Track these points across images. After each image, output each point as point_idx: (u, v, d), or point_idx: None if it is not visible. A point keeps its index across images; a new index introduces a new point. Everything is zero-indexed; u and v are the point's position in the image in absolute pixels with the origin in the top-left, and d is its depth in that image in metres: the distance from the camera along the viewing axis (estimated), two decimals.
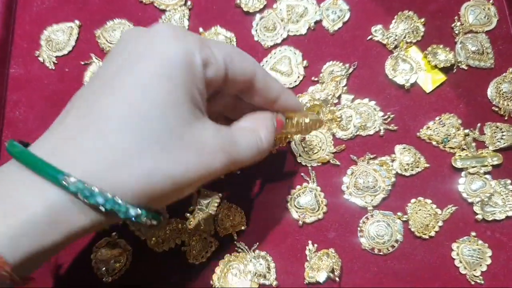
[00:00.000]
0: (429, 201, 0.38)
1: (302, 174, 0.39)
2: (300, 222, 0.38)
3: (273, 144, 0.32)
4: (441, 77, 0.41)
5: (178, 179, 0.25)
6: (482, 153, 0.39)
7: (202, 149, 0.26)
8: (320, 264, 0.36)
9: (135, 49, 0.25)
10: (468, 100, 0.40)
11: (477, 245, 0.36)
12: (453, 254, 0.36)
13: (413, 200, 0.38)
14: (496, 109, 0.40)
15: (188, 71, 0.25)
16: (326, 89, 0.41)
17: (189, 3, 0.45)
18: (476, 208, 0.37)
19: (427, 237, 0.37)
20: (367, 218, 0.38)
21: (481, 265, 0.36)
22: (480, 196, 0.37)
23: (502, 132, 0.39)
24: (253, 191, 0.39)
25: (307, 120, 0.34)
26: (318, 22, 0.43)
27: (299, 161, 0.40)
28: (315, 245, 0.37)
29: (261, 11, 0.44)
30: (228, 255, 0.37)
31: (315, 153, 0.40)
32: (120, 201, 0.23)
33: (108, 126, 0.24)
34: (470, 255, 0.36)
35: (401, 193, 0.38)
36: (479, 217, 0.37)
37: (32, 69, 0.44)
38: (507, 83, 0.40)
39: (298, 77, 0.42)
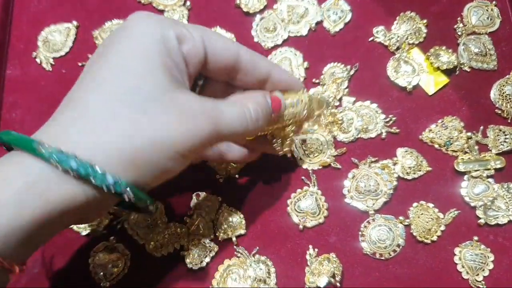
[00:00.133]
0: (431, 205, 0.37)
1: (303, 177, 0.39)
2: (301, 226, 0.37)
3: (266, 122, 0.31)
4: (443, 79, 0.41)
5: (159, 141, 0.25)
6: (485, 156, 0.38)
7: (184, 112, 0.26)
8: (321, 269, 0.36)
9: (116, 34, 0.27)
10: (471, 102, 0.40)
11: (480, 249, 0.36)
12: (456, 259, 0.36)
13: (415, 204, 0.37)
14: (499, 112, 0.39)
15: (161, 44, 0.27)
16: (327, 91, 0.40)
17: (188, 3, 0.44)
18: (479, 212, 0.37)
19: (429, 241, 0.36)
20: (368, 222, 0.37)
21: (483, 270, 0.36)
22: (483, 200, 0.37)
23: (505, 135, 0.38)
24: (253, 194, 0.39)
25: (307, 95, 0.33)
26: (319, 23, 0.43)
27: (299, 164, 0.39)
28: (316, 249, 0.37)
29: (261, 11, 0.43)
30: (228, 259, 0.37)
31: (316, 156, 0.39)
32: (96, 167, 0.23)
33: (88, 100, 0.25)
34: (472, 259, 0.36)
35: (403, 197, 0.38)
36: (482, 221, 0.37)
37: (29, 71, 0.43)
38: (511, 85, 0.40)
39: (299, 78, 0.41)
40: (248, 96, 0.31)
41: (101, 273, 0.36)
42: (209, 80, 0.34)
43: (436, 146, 0.39)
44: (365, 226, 0.37)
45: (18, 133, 0.25)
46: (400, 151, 0.39)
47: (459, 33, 0.42)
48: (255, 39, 0.43)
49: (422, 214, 0.37)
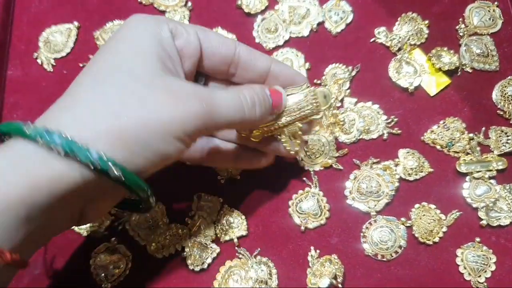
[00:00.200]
0: (433, 206, 0.37)
1: (304, 178, 0.39)
2: (302, 228, 0.37)
3: (265, 112, 0.31)
4: (445, 80, 0.41)
5: (147, 121, 0.25)
6: (487, 157, 0.38)
7: (175, 93, 0.27)
8: (323, 270, 0.36)
9: (113, 34, 0.29)
10: (472, 103, 0.40)
11: (482, 251, 0.36)
12: (458, 260, 0.36)
13: (417, 205, 0.37)
14: (501, 113, 0.39)
15: (155, 36, 0.28)
16: (333, 95, 0.40)
17: (189, 4, 0.44)
18: (481, 214, 0.37)
19: (431, 242, 0.36)
20: (370, 223, 0.37)
21: (485, 271, 0.35)
22: (484, 201, 0.37)
23: (507, 136, 0.38)
24: (255, 195, 0.39)
25: (312, 89, 0.33)
26: (320, 24, 0.43)
27: (301, 165, 0.39)
28: (318, 251, 0.37)
29: (262, 12, 0.43)
30: (229, 261, 0.37)
31: (318, 157, 0.39)
32: (79, 143, 0.23)
33: (81, 87, 0.27)
34: (474, 261, 0.36)
35: (404, 198, 0.38)
36: (484, 222, 0.37)
37: (30, 71, 0.43)
38: None
39: (306, 82, 0.41)
40: (245, 85, 0.31)
41: (102, 274, 0.36)
42: (210, 79, 0.34)
43: (438, 147, 0.39)
44: (366, 227, 0.37)
45: (7, 121, 0.26)
46: (401, 152, 0.39)
47: (461, 34, 0.42)
48: (257, 40, 0.43)
49: (424, 215, 0.37)
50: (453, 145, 0.39)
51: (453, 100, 0.40)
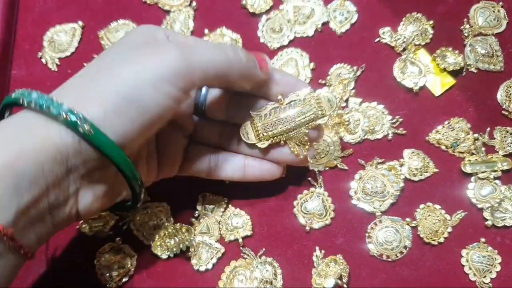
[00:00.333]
0: (438, 206, 0.37)
1: (309, 178, 0.39)
2: (307, 228, 0.37)
3: (251, 66, 0.31)
4: (450, 81, 0.41)
5: (126, 73, 0.27)
6: (492, 158, 0.38)
7: (153, 46, 0.28)
8: (328, 270, 0.36)
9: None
10: (477, 104, 0.40)
11: (487, 251, 0.36)
12: (463, 261, 0.36)
13: (422, 206, 0.37)
14: (506, 113, 0.39)
15: (152, 34, 0.30)
16: (334, 92, 0.40)
17: (194, 3, 0.44)
18: (486, 214, 0.37)
19: (436, 243, 0.36)
20: (375, 223, 0.37)
21: (491, 272, 0.35)
22: (490, 202, 0.37)
23: None
24: (259, 195, 0.39)
25: (315, 95, 0.33)
26: (325, 24, 0.43)
27: (306, 166, 0.39)
28: (323, 251, 0.36)
29: (267, 12, 0.43)
30: (234, 261, 0.37)
31: (322, 157, 0.39)
32: (54, 98, 0.26)
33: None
34: (479, 261, 0.36)
35: (409, 198, 0.38)
36: (489, 223, 0.36)
37: (35, 71, 0.43)
38: None
39: (305, 79, 0.41)
40: None
41: (107, 274, 0.36)
42: (214, 89, 0.35)
43: (443, 147, 0.39)
44: (372, 228, 0.37)
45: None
46: (406, 152, 0.39)
47: (466, 34, 0.42)
48: (261, 40, 0.43)
49: (429, 215, 0.37)
50: (458, 145, 0.39)
51: (458, 101, 0.40)
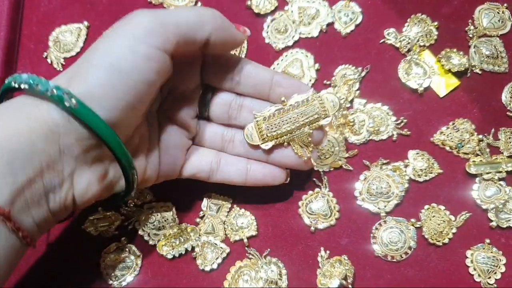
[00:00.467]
0: (442, 207, 0.37)
1: (314, 179, 0.39)
2: (312, 228, 0.37)
3: (233, 32, 0.32)
4: (454, 82, 0.41)
5: (104, 46, 0.28)
6: (496, 159, 0.38)
7: (127, 16, 0.29)
8: (333, 271, 0.36)
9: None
10: (482, 105, 0.40)
11: (492, 252, 0.36)
12: (467, 262, 0.36)
13: (426, 207, 0.37)
14: (511, 114, 0.39)
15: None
16: (339, 93, 0.40)
17: (199, 4, 0.44)
18: (491, 215, 0.37)
19: (440, 244, 0.36)
20: (380, 224, 0.37)
21: (495, 273, 0.36)
22: (494, 203, 0.37)
23: None
24: (264, 196, 0.39)
25: (318, 96, 0.34)
26: (330, 25, 0.43)
27: (309, 169, 0.39)
28: (327, 251, 0.37)
29: (272, 13, 0.43)
30: (239, 261, 0.37)
31: (327, 158, 0.39)
32: (42, 78, 0.27)
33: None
34: (484, 262, 0.36)
35: (414, 199, 0.38)
36: (494, 224, 0.37)
37: (40, 71, 0.43)
38: None
39: (310, 80, 0.41)
40: None
41: (112, 274, 0.36)
42: (216, 92, 0.35)
43: (448, 148, 0.39)
44: (376, 228, 0.37)
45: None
46: (411, 153, 0.39)
47: (470, 36, 0.42)
48: (266, 40, 0.43)
49: (433, 216, 0.37)
50: (462, 146, 0.39)
51: (463, 102, 0.40)
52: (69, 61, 0.43)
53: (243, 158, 0.36)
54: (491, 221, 0.37)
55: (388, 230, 0.37)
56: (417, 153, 0.39)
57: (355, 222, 0.37)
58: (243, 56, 0.42)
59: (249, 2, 0.43)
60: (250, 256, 0.37)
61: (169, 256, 0.37)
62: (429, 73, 0.41)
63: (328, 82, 0.41)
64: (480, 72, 0.41)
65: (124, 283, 0.36)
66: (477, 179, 0.38)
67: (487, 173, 0.38)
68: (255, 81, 0.34)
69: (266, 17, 0.43)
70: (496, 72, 0.41)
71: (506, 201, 0.37)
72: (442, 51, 0.41)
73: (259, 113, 0.34)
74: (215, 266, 0.36)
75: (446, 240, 0.36)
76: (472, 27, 0.42)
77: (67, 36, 0.43)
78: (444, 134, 0.39)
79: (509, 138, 0.39)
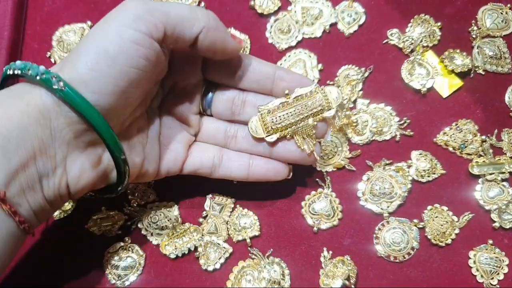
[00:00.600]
0: (445, 208, 0.37)
1: (317, 179, 0.39)
2: (315, 229, 0.37)
3: (224, 35, 0.32)
4: (458, 82, 0.41)
5: (94, 32, 0.29)
6: (499, 159, 0.38)
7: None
8: (335, 271, 0.36)
9: None
10: (485, 105, 0.40)
11: (494, 253, 0.36)
12: (470, 262, 0.36)
13: (429, 207, 0.37)
14: None
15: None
16: (343, 94, 0.40)
17: (202, 4, 0.44)
18: (493, 216, 0.37)
19: (443, 244, 0.36)
20: (383, 225, 0.37)
21: (498, 274, 0.36)
22: (497, 204, 0.37)
23: None
24: (267, 196, 0.39)
25: (321, 88, 0.34)
26: (333, 25, 0.43)
27: (314, 166, 0.39)
28: (330, 252, 0.37)
29: (275, 13, 0.43)
30: (242, 261, 0.37)
31: (330, 158, 0.39)
32: (33, 63, 0.28)
33: None
34: (487, 263, 0.36)
35: (417, 199, 0.38)
36: (496, 224, 0.37)
37: None
38: None
39: (313, 80, 0.41)
40: None
41: (116, 274, 0.37)
42: (219, 88, 0.35)
43: (451, 149, 0.39)
44: (379, 229, 0.37)
45: None
46: (414, 153, 0.39)
47: (474, 36, 0.42)
48: (269, 41, 0.43)
49: (436, 217, 0.37)
50: (465, 147, 0.39)
51: (466, 102, 0.40)
52: None
53: (246, 154, 0.36)
54: (494, 222, 0.37)
55: (391, 230, 0.37)
56: (420, 154, 0.39)
57: (358, 223, 0.38)
58: None
59: (252, 2, 0.43)
60: (253, 256, 0.37)
61: (172, 256, 0.37)
62: (432, 74, 0.41)
63: (331, 83, 0.41)
64: (483, 73, 0.41)
65: (127, 283, 0.36)
66: (480, 180, 0.38)
67: (490, 174, 0.38)
68: (258, 76, 0.34)
69: (269, 17, 0.43)
70: (499, 72, 0.41)
71: (509, 202, 0.37)
72: (445, 51, 0.41)
73: (263, 106, 0.34)
74: (218, 266, 0.37)
75: (449, 241, 0.36)
76: (475, 28, 0.42)
77: (70, 36, 0.43)
78: (447, 135, 0.39)
79: None
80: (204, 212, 0.38)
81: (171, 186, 0.38)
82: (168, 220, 0.38)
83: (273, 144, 0.35)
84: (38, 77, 0.27)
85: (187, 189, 0.39)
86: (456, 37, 0.42)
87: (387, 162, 0.39)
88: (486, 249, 0.36)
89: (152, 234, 0.38)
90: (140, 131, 0.33)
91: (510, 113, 0.40)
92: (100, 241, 0.37)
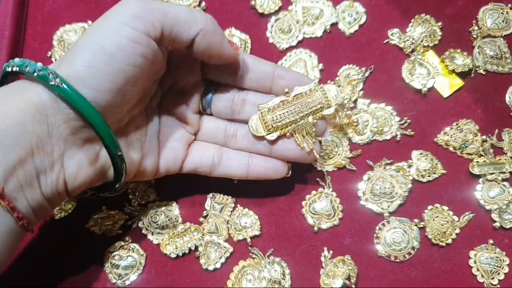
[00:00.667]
0: (446, 208, 0.37)
1: (318, 179, 0.39)
2: (316, 228, 0.37)
3: (223, 41, 0.32)
4: (458, 82, 0.41)
5: (92, 29, 0.29)
6: (500, 159, 0.38)
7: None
8: (336, 271, 0.36)
9: None
10: (486, 105, 0.40)
11: (495, 253, 0.36)
12: (471, 262, 0.36)
13: (430, 207, 0.37)
14: None
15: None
16: (343, 93, 0.40)
17: (203, 4, 0.44)
18: (494, 216, 0.37)
19: (444, 244, 0.36)
20: (383, 224, 0.37)
21: (499, 274, 0.35)
22: (498, 203, 0.37)
23: None
24: (268, 195, 0.39)
25: (320, 86, 0.35)
26: (334, 25, 0.43)
27: (314, 166, 0.39)
28: (331, 251, 0.37)
29: (276, 13, 0.43)
30: (243, 260, 0.37)
31: (331, 157, 0.39)
32: (31, 60, 0.28)
33: None
34: (487, 263, 0.36)
35: (418, 199, 0.38)
36: (497, 224, 0.37)
37: None
38: None
39: (314, 80, 0.41)
40: None
41: (116, 273, 0.37)
42: (218, 87, 0.36)
43: (451, 149, 0.39)
44: (380, 229, 0.37)
45: None
46: (415, 153, 0.39)
47: (474, 36, 0.42)
48: (270, 40, 0.43)
49: (437, 216, 0.37)
50: (466, 147, 0.39)
51: (466, 102, 0.40)
52: None
53: (245, 152, 0.36)
54: (495, 221, 0.37)
55: (392, 230, 0.37)
56: (421, 154, 0.39)
57: (359, 222, 0.38)
58: None
59: (253, 2, 0.43)
60: (254, 256, 0.37)
61: (173, 255, 0.37)
62: (433, 74, 0.41)
63: (332, 82, 0.41)
64: (484, 73, 0.41)
65: (127, 282, 0.36)
66: (480, 180, 0.38)
67: (491, 173, 0.38)
68: (257, 74, 0.35)
69: (270, 17, 0.43)
70: (500, 72, 0.41)
71: (509, 202, 0.37)
72: (446, 51, 0.41)
73: (263, 104, 0.35)
74: (218, 265, 0.37)
75: (450, 241, 0.36)
76: (476, 28, 0.42)
77: (71, 35, 0.43)
78: (448, 135, 0.39)
79: None
80: (205, 212, 0.38)
81: (172, 186, 0.39)
82: (169, 220, 0.38)
83: (273, 142, 0.35)
84: (35, 74, 0.28)
85: (188, 188, 0.39)
86: (457, 37, 0.42)
87: (388, 161, 0.39)
88: (487, 249, 0.36)
89: (152, 234, 0.38)
90: (138, 129, 0.33)
91: (511, 113, 0.40)
92: (101, 241, 0.38)
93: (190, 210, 0.39)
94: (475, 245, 0.36)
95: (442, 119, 0.40)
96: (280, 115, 0.34)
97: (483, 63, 0.41)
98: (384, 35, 0.42)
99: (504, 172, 0.38)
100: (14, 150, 0.26)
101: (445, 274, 0.36)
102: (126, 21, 0.28)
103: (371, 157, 0.39)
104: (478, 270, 0.36)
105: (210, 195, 0.39)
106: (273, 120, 0.34)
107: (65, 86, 0.27)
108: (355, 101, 0.40)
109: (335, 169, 0.39)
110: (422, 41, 0.42)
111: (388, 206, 0.37)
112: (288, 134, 0.35)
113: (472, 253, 0.36)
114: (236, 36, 0.42)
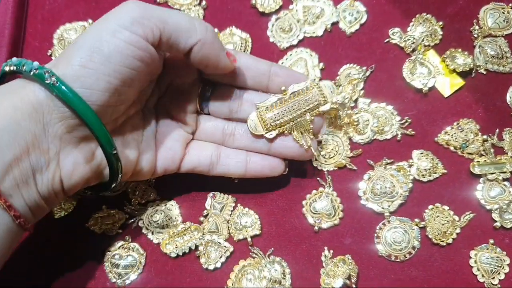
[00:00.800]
0: (446, 207, 0.37)
1: (318, 178, 0.39)
2: (316, 228, 0.37)
3: (220, 47, 0.32)
4: (459, 82, 0.41)
5: (91, 30, 0.29)
6: (501, 159, 0.38)
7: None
8: (336, 270, 0.36)
9: None
10: (486, 105, 0.40)
11: (495, 252, 0.36)
12: (471, 262, 0.36)
13: (430, 207, 0.37)
14: None
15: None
16: (343, 92, 0.40)
17: (203, 3, 0.44)
18: (495, 215, 0.37)
19: (444, 244, 0.36)
20: (384, 224, 0.37)
21: (499, 273, 0.35)
22: (498, 203, 0.37)
23: None
24: (268, 195, 0.39)
25: (315, 83, 0.35)
26: (334, 24, 0.43)
27: (315, 165, 0.39)
28: (331, 251, 0.37)
29: (277, 11, 0.43)
30: (243, 260, 0.37)
31: (332, 157, 0.39)
32: (28, 60, 0.29)
33: None
34: (488, 262, 0.36)
35: (418, 199, 0.38)
36: (498, 224, 0.37)
37: None
38: None
39: (315, 80, 0.41)
40: None
41: (116, 273, 0.36)
42: (216, 86, 0.36)
43: (452, 148, 0.39)
44: (380, 228, 0.37)
45: None
46: (415, 153, 0.39)
47: (475, 35, 0.42)
48: (271, 39, 0.43)
49: (437, 216, 0.37)
50: (467, 146, 0.39)
51: (467, 102, 0.40)
52: None
53: (243, 151, 0.36)
54: (495, 221, 0.37)
55: (392, 230, 0.37)
56: (421, 153, 0.39)
57: (359, 222, 0.37)
58: None
59: (253, 1, 0.43)
60: (254, 255, 0.37)
61: (173, 255, 0.37)
62: (434, 73, 0.41)
63: (332, 82, 0.41)
64: (485, 72, 0.41)
65: (127, 281, 0.36)
66: (481, 180, 0.38)
67: (491, 173, 0.38)
68: (254, 73, 0.35)
69: (270, 16, 0.43)
70: (501, 72, 0.41)
71: (510, 202, 0.37)
72: (447, 51, 0.41)
73: (261, 103, 0.35)
74: (218, 265, 0.36)
75: (450, 240, 0.36)
76: (477, 27, 0.42)
77: (71, 34, 0.43)
78: (449, 134, 0.39)
79: None
80: (205, 211, 0.38)
81: (172, 185, 0.38)
82: (169, 219, 0.38)
83: (271, 140, 0.35)
84: (31, 73, 0.28)
85: (188, 188, 0.39)
86: (457, 36, 0.42)
87: (388, 161, 0.39)
88: (487, 249, 0.36)
89: (152, 233, 0.38)
90: (134, 128, 0.34)
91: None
92: (101, 240, 0.37)
93: (190, 209, 0.39)
94: (476, 245, 0.36)
95: (442, 119, 0.40)
96: (278, 113, 0.35)
97: (484, 62, 0.41)
98: (385, 34, 0.42)
99: (505, 172, 0.38)
100: (10, 148, 0.27)
101: (445, 273, 0.36)
102: (124, 24, 0.28)
103: (371, 157, 0.39)
104: (478, 270, 0.36)
105: (211, 194, 0.39)
106: (271, 118, 0.35)
107: (60, 85, 0.27)
108: (355, 101, 0.40)
109: (336, 168, 0.39)
110: (423, 40, 0.42)
111: (389, 206, 0.37)
112: (286, 131, 0.35)
113: (472, 253, 0.36)
114: (237, 35, 0.42)
